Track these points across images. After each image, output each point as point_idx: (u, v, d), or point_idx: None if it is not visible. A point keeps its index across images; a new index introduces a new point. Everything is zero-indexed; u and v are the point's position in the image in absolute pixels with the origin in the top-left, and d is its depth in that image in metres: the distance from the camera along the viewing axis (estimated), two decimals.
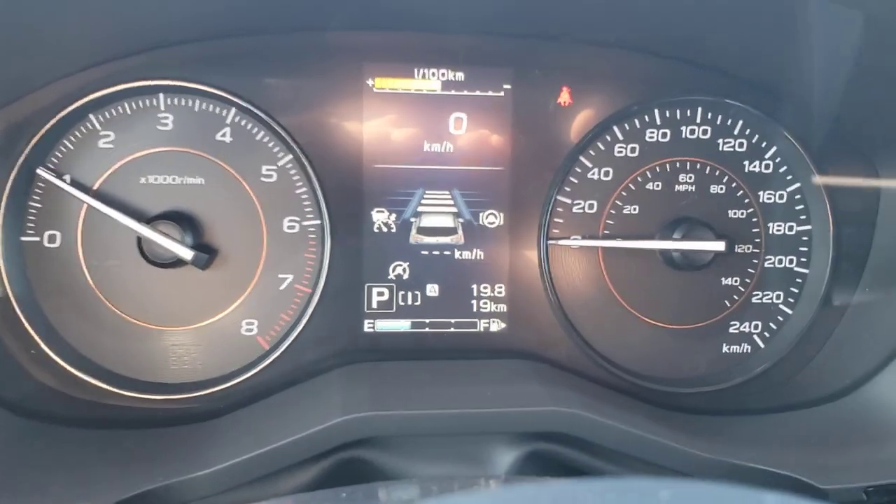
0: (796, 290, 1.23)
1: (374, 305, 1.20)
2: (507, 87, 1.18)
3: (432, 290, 1.21)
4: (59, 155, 1.12)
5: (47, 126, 1.11)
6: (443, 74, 1.18)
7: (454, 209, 1.20)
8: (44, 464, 0.97)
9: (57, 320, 1.14)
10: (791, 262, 1.23)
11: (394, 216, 1.19)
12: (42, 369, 1.11)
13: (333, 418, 0.93)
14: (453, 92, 1.18)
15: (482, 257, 1.20)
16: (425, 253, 1.20)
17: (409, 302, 1.21)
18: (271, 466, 0.92)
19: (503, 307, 1.21)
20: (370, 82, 1.16)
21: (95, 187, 1.12)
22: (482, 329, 1.22)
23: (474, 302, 1.21)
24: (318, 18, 1.11)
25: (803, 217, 1.23)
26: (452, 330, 1.22)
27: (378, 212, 1.18)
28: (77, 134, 1.13)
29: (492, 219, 1.20)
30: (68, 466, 0.97)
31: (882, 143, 1.14)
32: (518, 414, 0.96)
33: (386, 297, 1.20)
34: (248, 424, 1.04)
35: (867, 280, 1.18)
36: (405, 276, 1.20)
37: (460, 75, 1.18)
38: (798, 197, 1.22)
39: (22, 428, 1.02)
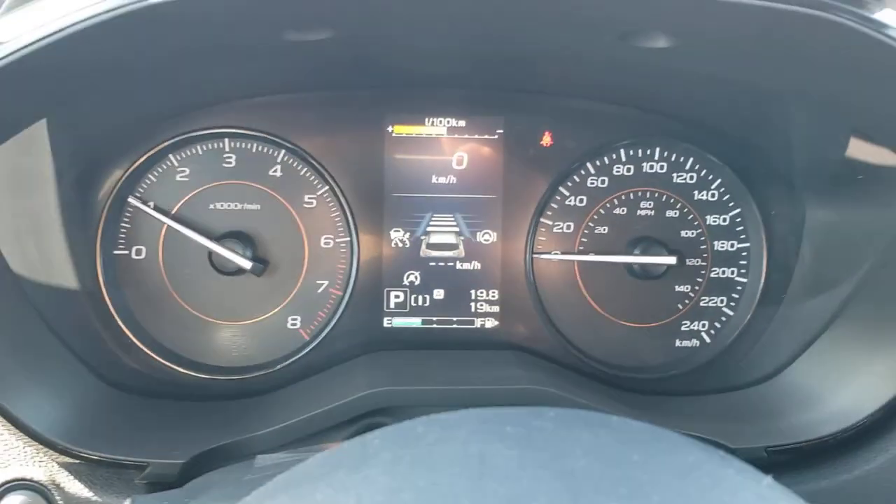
0: (736, 296, 1.41)
1: (392, 306, 1.41)
2: (500, 131, 1.39)
3: (438, 293, 1.41)
4: (145, 186, 1.33)
5: (136, 163, 1.32)
6: (448, 122, 1.39)
7: (457, 229, 1.40)
8: (137, 426, 1.18)
9: (142, 317, 1.34)
10: (732, 273, 1.41)
11: (408, 234, 1.40)
12: (130, 355, 1.32)
13: (360, 392, 1.14)
14: (456, 136, 1.39)
15: (479, 268, 1.41)
16: (433, 264, 1.41)
17: (420, 303, 1.41)
18: (312, 429, 1.13)
19: (496, 308, 1.41)
20: (390, 129, 1.37)
21: (173, 211, 1.33)
22: (479, 326, 1.41)
23: (472, 304, 1.41)
24: (350, 80, 1.34)
25: (742, 237, 1.41)
26: (455, 326, 1.41)
27: (395, 231, 1.40)
28: (159, 169, 1.33)
29: (487, 237, 1.40)
30: (155, 428, 1.19)
31: (806, 175, 1.32)
32: (503, 391, 1.16)
33: (401, 299, 1.41)
34: (293, 397, 1.25)
35: (793, 288, 1.35)
36: (417, 283, 1.41)
37: (462, 122, 1.39)
38: (738, 220, 1.40)
39: (119, 399, 1.22)
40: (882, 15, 0.91)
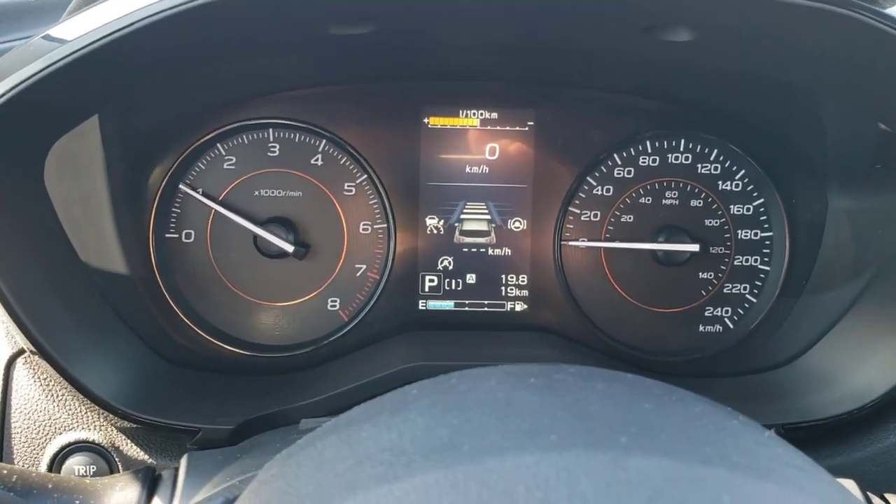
0: (759, 284, 1.46)
1: (427, 289, 1.47)
2: (531, 123, 1.44)
3: (471, 278, 1.47)
4: (195, 173, 1.41)
5: (186, 152, 1.39)
6: (481, 114, 1.45)
7: (488, 216, 1.47)
8: (188, 395, 1.26)
9: (190, 297, 1.42)
10: (756, 261, 1.45)
11: (442, 221, 1.47)
12: (180, 333, 1.40)
13: (396, 367, 1.22)
14: (489, 128, 1.45)
15: (509, 254, 1.47)
16: (466, 250, 1.47)
17: (453, 287, 1.47)
18: (351, 401, 1.21)
19: (525, 293, 1.47)
20: (426, 121, 1.44)
21: (221, 197, 1.41)
22: (509, 309, 1.48)
23: (503, 288, 1.47)
24: (388, 73, 1.40)
25: (766, 226, 1.45)
26: (486, 309, 1.47)
27: (430, 218, 1.47)
28: (208, 158, 1.41)
29: (517, 224, 1.47)
30: (205, 398, 1.27)
31: (828, 165, 1.37)
32: None
33: (435, 283, 1.48)
34: (333, 373, 1.32)
35: (815, 276, 1.40)
36: (450, 268, 1.47)
37: (494, 115, 1.45)
38: (762, 209, 1.45)
39: (172, 371, 1.31)
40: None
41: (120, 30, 0.93)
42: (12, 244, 1.06)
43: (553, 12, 1.01)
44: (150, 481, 0.86)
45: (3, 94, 0.92)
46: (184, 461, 0.90)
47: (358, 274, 1.45)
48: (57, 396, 1.12)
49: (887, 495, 0.89)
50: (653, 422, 0.57)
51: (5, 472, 0.80)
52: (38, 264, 1.11)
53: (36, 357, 1.10)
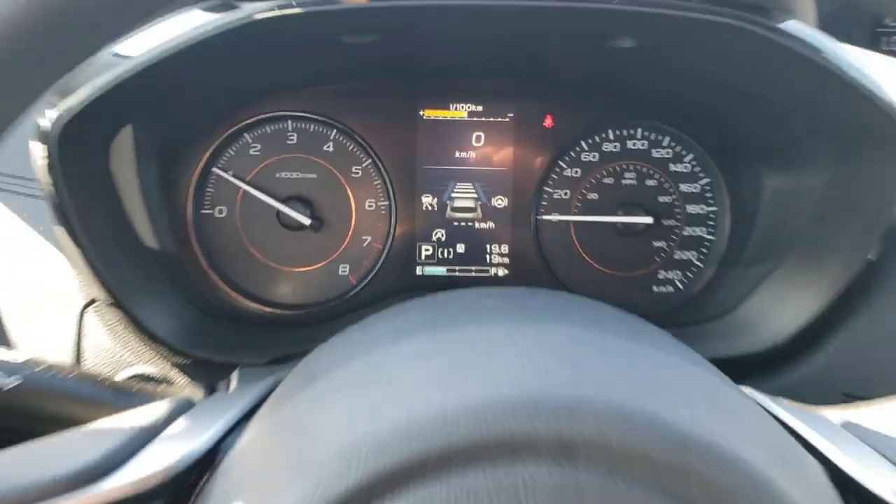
0: (705, 251, 1.68)
1: (423, 258, 1.70)
2: (511, 115, 1.67)
3: (460, 248, 1.70)
4: (226, 158, 1.62)
5: (218, 141, 1.61)
6: (468, 107, 1.67)
7: (475, 195, 1.69)
8: (226, 339, 1.47)
9: (222, 263, 1.63)
10: (703, 231, 1.68)
11: (436, 199, 1.69)
12: (213, 293, 1.62)
13: None
14: (475, 119, 1.67)
15: (493, 227, 1.69)
16: (456, 224, 1.69)
17: (445, 256, 1.70)
18: None
19: (507, 260, 1.70)
20: (421, 113, 1.66)
21: (248, 178, 1.62)
22: (493, 274, 1.70)
23: (488, 256, 1.69)
24: (390, 72, 1.61)
25: (711, 202, 1.67)
26: (473, 274, 1.70)
27: (426, 197, 1.69)
28: (237, 145, 1.62)
29: (500, 202, 1.69)
30: (239, 342, 1.48)
31: (762, 152, 1.57)
32: None
33: (430, 252, 1.70)
34: (343, 325, 1.58)
35: (751, 245, 1.61)
36: (443, 239, 1.70)
37: (480, 108, 1.67)
38: (707, 188, 1.67)
39: (211, 322, 1.54)
40: (789, 25, 1.20)
41: (178, 46, 1.18)
42: (94, 221, 1.29)
43: (518, 32, 1.26)
44: (209, 390, 1.11)
45: (89, 98, 1.18)
46: (235, 374, 1.15)
47: (364, 244, 1.67)
48: (121, 338, 1.37)
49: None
50: (590, 317, 0.80)
51: (98, 377, 1.05)
52: (110, 235, 1.35)
53: (104, 307, 1.36)
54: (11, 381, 0.91)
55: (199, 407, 0.85)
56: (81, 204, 1.26)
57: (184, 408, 0.85)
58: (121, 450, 0.72)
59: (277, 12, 1.16)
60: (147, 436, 0.76)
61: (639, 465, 0.55)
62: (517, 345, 0.67)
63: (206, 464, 0.72)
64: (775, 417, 0.78)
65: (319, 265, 1.68)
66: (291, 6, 1.17)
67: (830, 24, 1.28)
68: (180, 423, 0.80)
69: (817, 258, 1.42)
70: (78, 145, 1.23)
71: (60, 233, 1.25)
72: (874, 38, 2.31)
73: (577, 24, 1.23)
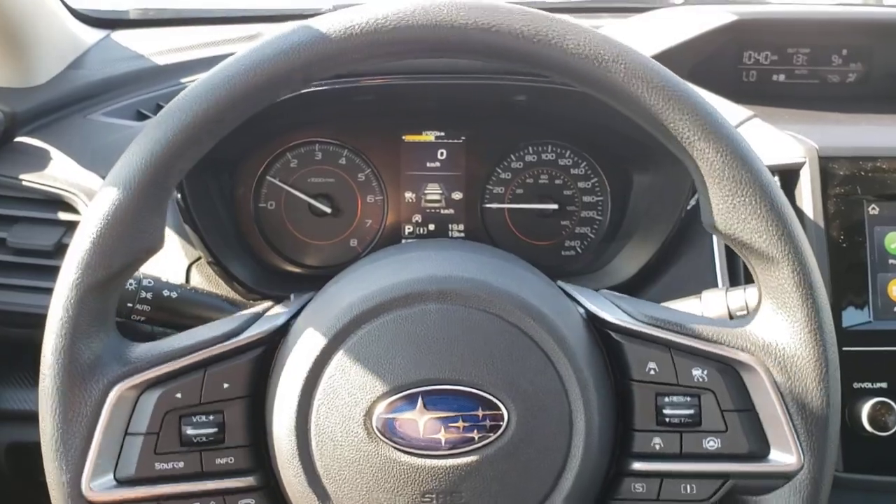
0: (596, 228, 2.19)
1: (406, 234, 2.09)
2: (463, 137, 2.08)
3: (431, 227, 1.99)
4: (275, 169, 2.08)
5: (269, 158, 2.18)
6: (434, 133, 2.11)
7: (441, 192, 2.10)
8: (280, 283, 2.12)
9: (273, 239, 2.14)
10: (594, 214, 2.19)
11: (414, 195, 2.02)
12: (265, 258, 2.25)
13: None
14: (439, 140, 2.07)
15: (453, 212, 2.01)
16: (428, 211, 2.02)
17: (421, 232, 2.07)
18: None
19: (462, 236, 2.14)
20: (404, 138, 2.15)
21: (289, 182, 2.13)
22: None
23: (450, 233, 2.07)
24: (379, 111, 2.23)
25: (599, 193, 2.19)
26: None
27: (408, 193, 2.05)
28: (281, 161, 2.11)
29: (457, 195, 2.10)
30: (286, 286, 1.93)
31: (630, 161, 2.18)
32: None
33: (411, 230, 2.03)
34: None
35: (623, 226, 2.20)
36: (419, 221, 2.05)
37: (442, 133, 2.14)
38: (596, 185, 2.17)
39: (265, 274, 2.07)
40: None
41: None
42: (200, 213, 2.10)
43: (453, 95, 2.08)
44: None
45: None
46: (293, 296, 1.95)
47: (367, 226, 2.05)
48: (214, 283, 2.18)
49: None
50: (470, 245, 1.47)
51: (220, 295, 1.85)
52: (210, 223, 2.11)
53: (205, 263, 2.17)
54: (173, 294, 1.65)
55: (274, 308, 1.26)
56: (195, 204, 2.09)
57: (267, 309, 1.26)
58: (241, 325, 1.14)
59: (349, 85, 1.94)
60: (252, 319, 1.16)
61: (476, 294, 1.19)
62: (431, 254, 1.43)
63: (285, 330, 1.14)
64: (561, 289, 1.25)
65: (337, 240, 2.09)
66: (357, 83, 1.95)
67: None
68: (268, 313, 1.24)
69: (653, 228, 2.20)
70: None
71: (186, 226, 2.02)
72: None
73: (480, 90, 2.05)
